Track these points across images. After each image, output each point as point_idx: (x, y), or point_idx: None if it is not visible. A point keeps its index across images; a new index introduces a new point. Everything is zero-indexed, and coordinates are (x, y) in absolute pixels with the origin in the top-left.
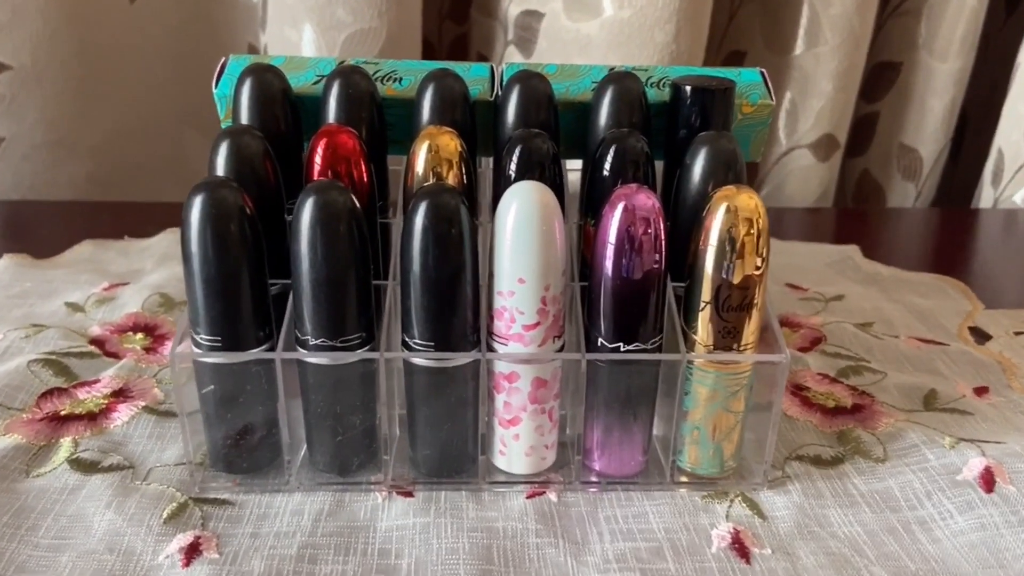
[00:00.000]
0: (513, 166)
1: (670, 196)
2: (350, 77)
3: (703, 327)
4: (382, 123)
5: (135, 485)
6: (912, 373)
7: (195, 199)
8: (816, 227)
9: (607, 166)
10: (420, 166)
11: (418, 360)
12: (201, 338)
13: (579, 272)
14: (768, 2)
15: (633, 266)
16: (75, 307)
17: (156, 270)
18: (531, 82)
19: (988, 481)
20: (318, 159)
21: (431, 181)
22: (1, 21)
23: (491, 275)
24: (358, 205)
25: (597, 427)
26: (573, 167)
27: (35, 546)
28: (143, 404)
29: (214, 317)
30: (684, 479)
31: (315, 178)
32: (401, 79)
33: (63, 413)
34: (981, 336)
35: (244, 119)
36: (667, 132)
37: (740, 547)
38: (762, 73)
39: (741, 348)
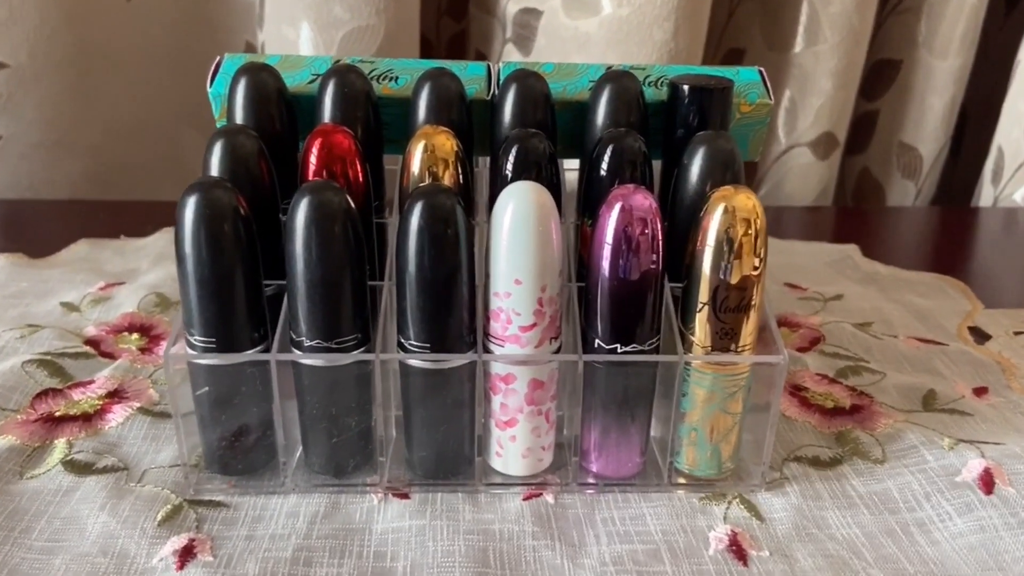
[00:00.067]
0: (510, 166)
1: (668, 196)
2: (346, 76)
3: (701, 328)
4: (378, 122)
5: (129, 487)
6: (911, 373)
7: (189, 200)
8: (815, 226)
9: (604, 166)
10: (416, 166)
11: (414, 361)
12: (195, 339)
13: (576, 273)
14: (767, 0)
15: (630, 267)
16: (70, 307)
17: (152, 269)
18: (528, 81)
19: (987, 483)
20: (313, 159)
21: (427, 181)
22: None
23: (487, 276)
24: (353, 205)
25: (594, 428)
26: (570, 167)
27: (28, 549)
28: (138, 405)
29: (208, 318)
30: (682, 481)
31: (310, 178)
32: (397, 78)
33: (57, 414)
34: (981, 336)
35: (239, 119)
36: (665, 132)
37: (738, 549)
38: (760, 72)
39: (739, 349)
